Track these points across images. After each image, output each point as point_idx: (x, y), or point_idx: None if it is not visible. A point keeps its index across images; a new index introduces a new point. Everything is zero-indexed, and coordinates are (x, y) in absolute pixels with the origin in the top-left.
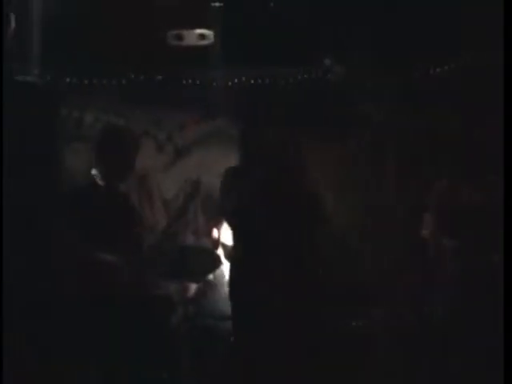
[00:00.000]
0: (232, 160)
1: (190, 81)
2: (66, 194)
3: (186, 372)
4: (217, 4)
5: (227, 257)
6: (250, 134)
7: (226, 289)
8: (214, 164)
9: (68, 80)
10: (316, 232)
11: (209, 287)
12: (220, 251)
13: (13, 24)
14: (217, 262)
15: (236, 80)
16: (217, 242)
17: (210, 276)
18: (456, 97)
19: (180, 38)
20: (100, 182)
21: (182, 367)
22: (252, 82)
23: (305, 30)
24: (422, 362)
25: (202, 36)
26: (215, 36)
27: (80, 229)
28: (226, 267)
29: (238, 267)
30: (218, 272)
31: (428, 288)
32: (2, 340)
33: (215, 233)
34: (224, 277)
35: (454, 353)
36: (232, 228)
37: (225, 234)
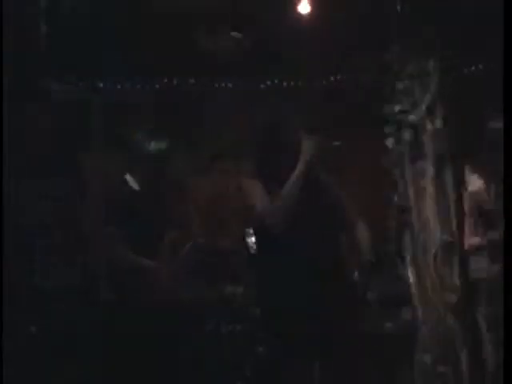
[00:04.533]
0: None
1: (222, 84)
2: (101, 199)
3: (227, 377)
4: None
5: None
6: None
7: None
8: (249, 167)
9: (101, 85)
10: (345, 234)
11: (243, 290)
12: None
13: (44, 32)
14: (251, 265)
15: (269, 82)
16: (252, 244)
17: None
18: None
19: (213, 41)
20: (134, 186)
21: (218, 370)
22: (285, 84)
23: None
24: None
25: (235, 39)
26: (246, 39)
27: (115, 232)
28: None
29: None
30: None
31: None
32: (2, 341)
33: (251, 235)
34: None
35: None
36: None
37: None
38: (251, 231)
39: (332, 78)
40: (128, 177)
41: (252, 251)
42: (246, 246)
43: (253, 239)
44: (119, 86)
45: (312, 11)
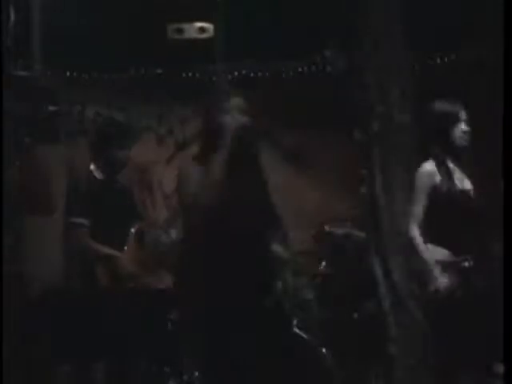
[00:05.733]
0: None
1: (190, 74)
2: (65, 189)
3: (190, 365)
4: None
5: None
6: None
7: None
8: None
9: (68, 74)
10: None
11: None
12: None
13: (12, 20)
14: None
15: (236, 73)
16: None
17: None
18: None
19: (180, 31)
20: (98, 177)
21: (182, 359)
22: (252, 75)
23: (305, 22)
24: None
25: (202, 29)
26: (215, 29)
27: (80, 222)
28: None
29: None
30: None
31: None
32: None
33: None
34: None
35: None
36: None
37: None
38: None
39: (300, 69)
40: (92, 166)
41: None
42: None
43: None
44: (86, 76)
45: None
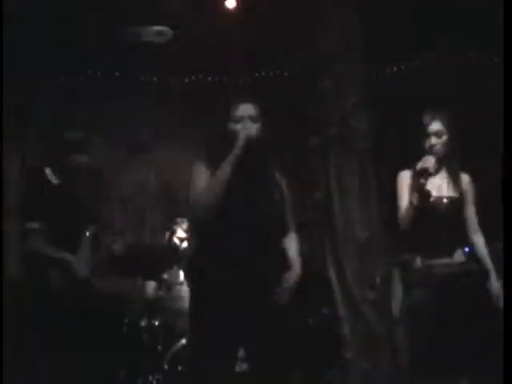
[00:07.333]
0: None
1: (147, 77)
2: (20, 193)
3: (144, 370)
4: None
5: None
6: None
7: (181, 286)
8: (172, 162)
9: (25, 77)
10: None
11: (166, 285)
12: (177, 248)
13: None
14: (173, 260)
15: (193, 77)
16: (173, 240)
17: (166, 274)
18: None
19: (138, 34)
20: (53, 181)
21: (140, 365)
22: (209, 79)
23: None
24: None
25: (160, 33)
26: (173, 33)
27: (33, 227)
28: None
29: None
30: (173, 269)
31: None
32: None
33: (173, 230)
34: (179, 274)
35: None
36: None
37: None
38: (177, 226)
39: (257, 74)
40: (48, 170)
41: (179, 246)
42: (169, 240)
43: (179, 234)
44: (43, 78)
45: (238, 7)
